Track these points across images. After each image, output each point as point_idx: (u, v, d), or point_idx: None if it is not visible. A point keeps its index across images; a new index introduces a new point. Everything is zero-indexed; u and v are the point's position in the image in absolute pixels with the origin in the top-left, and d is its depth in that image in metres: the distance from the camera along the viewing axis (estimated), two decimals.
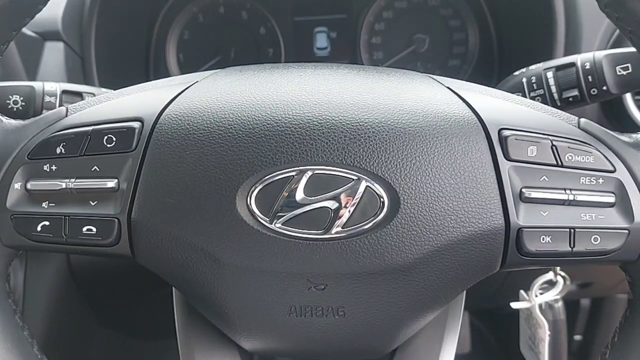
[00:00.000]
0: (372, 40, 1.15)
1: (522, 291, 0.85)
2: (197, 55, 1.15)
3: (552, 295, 0.81)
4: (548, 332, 0.82)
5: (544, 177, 0.51)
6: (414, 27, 1.14)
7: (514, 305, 0.83)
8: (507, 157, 0.50)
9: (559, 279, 0.81)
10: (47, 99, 0.70)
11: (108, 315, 1.01)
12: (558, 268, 0.81)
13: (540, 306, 0.83)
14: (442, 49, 1.14)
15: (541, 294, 0.83)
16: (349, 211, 0.48)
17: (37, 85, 0.71)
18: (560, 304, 0.88)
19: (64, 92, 0.71)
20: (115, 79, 0.93)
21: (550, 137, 0.51)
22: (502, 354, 1.50)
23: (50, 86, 0.71)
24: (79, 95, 0.72)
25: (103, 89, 0.78)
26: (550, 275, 0.82)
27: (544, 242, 0.50)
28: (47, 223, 0.52)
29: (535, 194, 0.50)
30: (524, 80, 0.74)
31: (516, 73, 0.77)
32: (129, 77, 0.93)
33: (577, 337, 1.40)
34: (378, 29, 1.15)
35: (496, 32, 1.13)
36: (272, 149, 0.48)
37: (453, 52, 1.15)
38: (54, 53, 0.94)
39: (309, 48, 1.15)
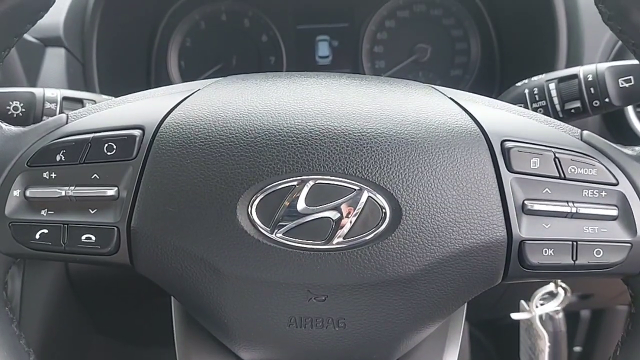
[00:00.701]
0: (374, 49, 1.15)
1: (522, 302, 0.85)
2: (198, 62, 1.15)
3: (553, 306, 0.81)
4: (548, 344, 0.81)
5: (547, 189, 0.50)
6: (416, 36, 1.14)
7: (515, 316, 0.83)
8: (509, 168, 0.50)
9: (560, 290, 0.80)
10: (47, 105, 0.70)
11: (106, 323, 1.01)
12: (559, 280, 0.80)
13: (540, 317, 0.83)
14: (444, 59, 1.15)
15: (542, 305, 0.82)
16: (351, 222, 0.48)
17: (37, 91, 0.70)
18: (560, 315, 0.88)
19: (65, 98, 0.71)
20: (117, 86, 0.93)
21: (553, 149, 0.51)
22: None
23: (51, 92, 0.71)
24: (80, 102, 0.72)
25: (104, 96, 0.78)
26: (551, 287, 0.81)
27: (546, 254, 0.50)
28: (45, 231, 0.51)
29: (537, 206, 0.50)
30: (526, 91, 0.74)
31: (518, 84, 0.76)
32: (130, 84, 0.93)
33: (577, 349, 1.39)
34: (380, 38, 1.15)
35: (498, 42, 1.13)
36: (273, 158, 0.48)
37: (455, 62, 1.15)
38: (55, 59, 0.93)
39: (310, 56, 1.15)
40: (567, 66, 0.93)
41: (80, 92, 0.74)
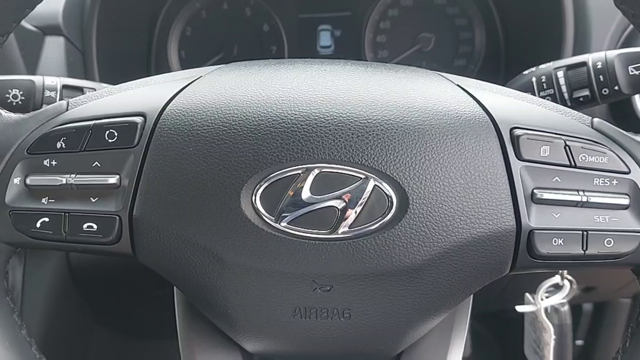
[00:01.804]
0: (376, 38, 1.14)
1: (527, 294, 0.84)
2: (199, 52, 1.14)
3: (558, 298, 0.80)
4: (553, 336, 0.81)
5: (557, 177, 0.49)
6: (420, 25, 1.13)
7: (520, 308, 0.82)
8: (519, 156, 0.49)
9: (566, 282, 0.80)
10: (47, 93, 0.69)
11: (107, 315, 1.00)
12: (565, 272, 0.79)
13: (545, 310, 0.82)
14: (447, 48, 1.13)
15: (547, 297, 0.82)
16: (356, 211, 0.47)
17: (37, 79, 0.69)
18: (566, 307, 0.87)
19: (65, 86, 0.70)
20: (116, 75, 0.92)
21: (564, 137, 0.50)
22: (504, 357, 1.49)
23: (51, 80, 0.70)
24: (80, 90, 0.71)
25: (104, 84, 0.76)
26: (556, 279, 0.80)
27: (555, 244, 0.49)
28: (46, 219, 0.50)
29: (547, 195, 0.49)
30: (534, 79, 0.73)
31: (526, 72, 0.75)
32: (130, 74, 0.92)
33: (579, 342, 1.39)
34: (383, 27, 1.13)
35: (503, 31, 1.11)
36: (277, 146, 0.47)
37: (459, 51, 1.14)
38: (54, 48, 0.92)
39: (312, 46, 1.14)
40: (574, 55, 0.91)
41: (80, 80, 0.73)
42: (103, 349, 0.99)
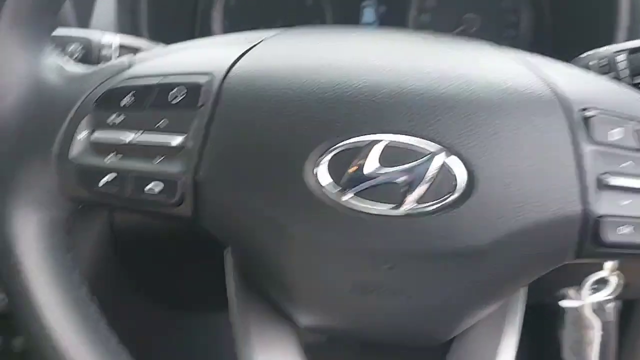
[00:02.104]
0: (421, 17, 1.11)
1: (569, 290, 0.81)
2: (242, 22, 1.12)
3: (604, 294, 0.77)
4: (599, 334, 0.78)
5: (628, 162, 0.47)
6: (466, 5, 1.10)
7: (564, 303, 0.79)
8: (589, 139, 0.47)
9: (613, 278, 0.77)
10: (104, 51, 0.68)
11: (149, 284, 0.99)
12: (614, 264, 0.77)
13: (590, 306, 0.79)
14: (492, 31, 1.11)
15: (591, 293, 0.79)
16: (423, 187, 0.45)
17: (94, 36, 0.68)
18: (612, 304, 0.84)
19: (122, 46, 0.69)
20: (162, 39, 0.91)
21: (637, 120, 0.48)
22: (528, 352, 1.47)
23: (108, 38, 0.68)
24: (137, 50, 0.70)
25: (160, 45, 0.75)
26: (602, 274, 0.77)
27: (623, 232, 0.47)
28: (110, 177, 0.49)
29: (617, 181, 0.47)
30: (591, 63, 0.70)
31: (582, 56, 0.73)
32: (175, 39, 0.91)
33: None
34: (429, 5, 1.11)
35: (552, 16, 1.08)
36: (345, 115, 0.46)
37: (503, 35, 1.11)
38: (105, 6, 0.92)
39: (355, 22, 1.12)
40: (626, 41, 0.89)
41: (137, 39, 0.72)
42: (144, 319, 0.99)
